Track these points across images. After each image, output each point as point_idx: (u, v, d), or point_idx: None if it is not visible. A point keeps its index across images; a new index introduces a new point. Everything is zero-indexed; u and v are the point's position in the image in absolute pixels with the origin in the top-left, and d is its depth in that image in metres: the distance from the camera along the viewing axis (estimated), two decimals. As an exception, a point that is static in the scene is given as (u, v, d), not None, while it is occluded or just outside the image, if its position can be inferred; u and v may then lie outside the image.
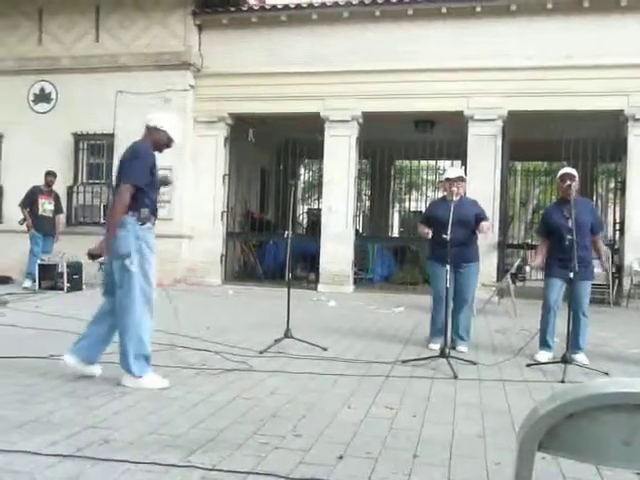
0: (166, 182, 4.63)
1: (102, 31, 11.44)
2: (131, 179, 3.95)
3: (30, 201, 10.01)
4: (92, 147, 11.63)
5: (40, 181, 10.20)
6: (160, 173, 4.31)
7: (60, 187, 10.95)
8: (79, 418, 3.21)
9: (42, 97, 11.65)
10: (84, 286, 9.72)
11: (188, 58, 11.04)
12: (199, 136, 11.33)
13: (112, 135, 11.12)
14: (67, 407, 3.41)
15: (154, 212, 4.11)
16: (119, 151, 10.78)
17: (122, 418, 3.25)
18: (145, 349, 3.97)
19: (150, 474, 2.51)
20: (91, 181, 11.51)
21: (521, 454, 0.90)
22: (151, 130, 4.16)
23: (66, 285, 9.38)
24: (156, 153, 4.17)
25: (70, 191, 11.37)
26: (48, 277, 9.48)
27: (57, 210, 10.29)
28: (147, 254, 3.99)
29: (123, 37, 11.34)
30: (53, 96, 11.60)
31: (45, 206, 10.09)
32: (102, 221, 10.51)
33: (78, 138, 11.50)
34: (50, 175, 10.20)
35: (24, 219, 10.01)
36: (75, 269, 9.61)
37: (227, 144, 11.58)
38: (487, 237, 5.98)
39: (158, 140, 4.16)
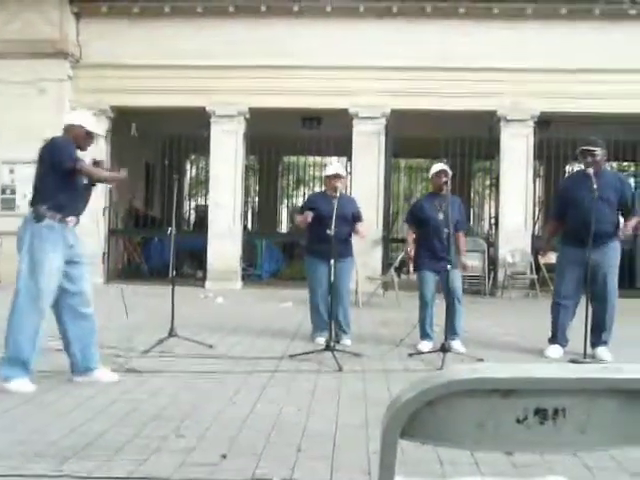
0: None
1: (-33, 14, 10.62)
2: (70, 161, 3.87)
3: None
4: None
5: None
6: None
7: None
8: (-61, 431, 2.97)
9: None
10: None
11: (65, 47, 10.49)
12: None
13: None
14: None
15: (65, 209, 3.92)
16: (-12, 144, 10.20)
17: (-11, 429, 3.04)
18: (21, 353, 3.74)
19: (19, 487, 2.36)
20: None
21: (384, 441, 0.92)
22: (67, 129, 4.10)
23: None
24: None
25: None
26: None
27: None
28: (37, 254, 3.81)
29: (-8, 21, 10.59)
30: None
31: None
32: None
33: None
34: None
35: None
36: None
37: (108, 138, 11.12)
38: (363, 238, 6.11)
39: (77, 135, 4.07)
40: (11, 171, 10.33)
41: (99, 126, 4.26)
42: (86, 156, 4.18)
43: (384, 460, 0.93)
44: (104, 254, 10.99)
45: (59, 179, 3.90)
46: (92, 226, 10.81)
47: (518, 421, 0.88)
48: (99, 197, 10.89)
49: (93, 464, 2.60)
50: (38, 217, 3.86)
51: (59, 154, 3.89)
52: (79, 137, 4.07)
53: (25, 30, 10.48)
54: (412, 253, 5.57)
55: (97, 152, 10.90)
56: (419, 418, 0.89)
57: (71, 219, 3.97)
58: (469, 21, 10.42)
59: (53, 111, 10.51)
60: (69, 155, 3.90)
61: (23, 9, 10.56)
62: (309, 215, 5.45)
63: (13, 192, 10.45)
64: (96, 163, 4.24)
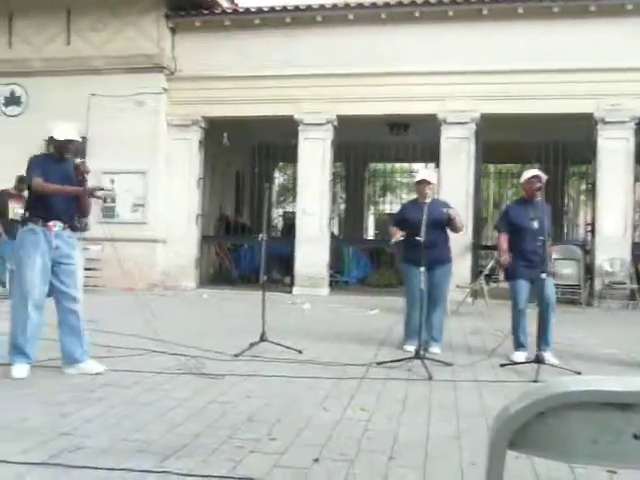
0: (97, 195, 4.71)
1: (73, 33, 11.31)
2: (29, 182, 4.41)
3: (1, 206, 9.79)
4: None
5: (9, 185, 10.01)
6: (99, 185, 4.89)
7: (31, 191, 10.80)
8: (51, 425, 3.17)
9: (12, 100, 11.49)
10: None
11: (161, 61, 10.97)
12: (173, 139, 11.26)
13: (84, 139, 10.99)
14: (39, 414, 3.36)
15: (46, 215, 4.34)
16: (92, 155, 10.81)
17: (95, 424, 3.21)
18: (15, 339, 4.25)
19: (124, 481, 2.48)
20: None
21: (492, 453, 0.91)
22: (48, 141, 4.69)
23: (5, 292, 9.17)
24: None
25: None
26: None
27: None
28: (20, 254, 4.32)
29: (95, 40, 11.22)
30: (24, 99, 11.44)
31: (16, 211, 9.88)
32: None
33: (50, 142, 11.31)
34: (22, 181, 9.99)
35: None
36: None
37: (201, 147, 11.52)
38: (457, 238, 6.00)
39: (55, 145, 4.53)
40: (112, 181, 10.86)
41: (73, 130, 4.56)
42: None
43: (491, 471, 0.92)
44: (197, 260, 11.37)
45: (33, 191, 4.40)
46: (185, 232, 11.27)
47: (636, 437, 0.85)
48: (193, 204, 11.31)
49: (192, 463, 2.70)
50: (23, 223, 4.44)
51: (27, 172, 4.40)
52: (57, 147, 4.51)
53: (125, 46, 11.05)
54: (505, 261, 5.43)
55: (192, 162, 11.34)
56: (529, 429, 0.87)
57: (53, 223, 4.35)
58: (563, 20, 10.06)
59: (150, 123, 11.03)
60: (29, 174, 4.37)
61: (123, 27, 11.14)
62: (400, 235, 5.44)
63: (113, 201, 10.99)
64: (77, 167, 4.52)
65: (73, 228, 4.53)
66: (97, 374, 4.29)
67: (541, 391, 0.85)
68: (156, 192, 10.98)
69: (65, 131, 4.51)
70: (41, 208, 4.36)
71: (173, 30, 11.24)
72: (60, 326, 4.41)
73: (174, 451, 2.84)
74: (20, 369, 4.20)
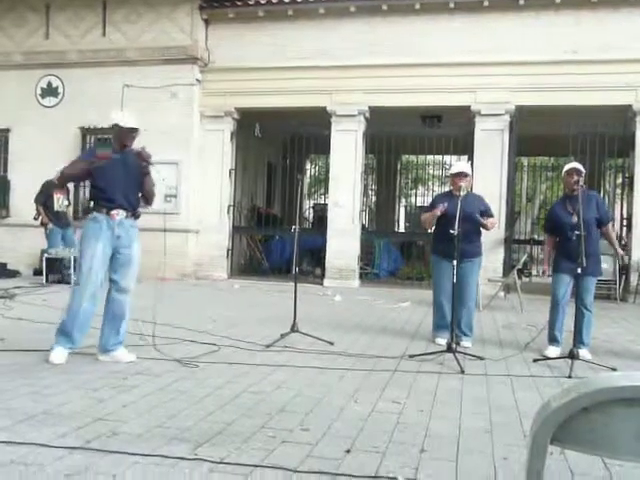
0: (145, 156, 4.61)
1: (109, 25, 11.44)
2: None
3: (45, 196, 9.96)
4: (99, 141, 11.62)
5: (49, 175, 10.20)
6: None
7: (67, 181, 11.02)
8: (88, 410, 3.23)
9: (49, 91, 11.68)
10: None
11: (195, 52, 11.04)
12: (206, 130, 11.34)
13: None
14: (76, 399, 3.43)
15: (108, 204, 4.36)
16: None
17: (130, 411, 3.27)
18: (64, 326, 4.32)
19: (159, 467, 2.52)
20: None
21: (534, 447, 0.90)
22: (112, 129, 4.55)
23: (73, 279, 9.35)
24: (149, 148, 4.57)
25: (77, 185, 11.39)
26: (55, 271, 9.50)
27: (69, 203, 10.29)
28: (83, 243, 4.37)
29: (130, 31, 11.34)
30: (60, 90, 11.62)
31: (61, 201, 10.08)
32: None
33: (85, 132, 11.51)
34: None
35: (38, 214, 9.88)
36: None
37: (234, 138, 11.59)
38: (490, 232, 5.99)
39: (117, 135, 4.51)
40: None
41: (135, 120, 4.55)
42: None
43: (532, 465, 0.91)
44: (228, 250, 11.45)
45: (94, 180, 4.42)
46: (217, 223, 11.35)
47: (681, 434, 0.84)
48: (225, 195, 11.38)
49: (225, 451, 2.73)
50: (87, 212, 4.47)
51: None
52: (121, 134, 4.50)
53: (159, 38, 11.15)
54: (545, 262, 5.46)
55: (224, 153, 11.42)
56: (572, 424, 0.86)
57: (116, 212, 4.38)
58: (601, 10, 9.86)
59: (184, 113, 11.12)
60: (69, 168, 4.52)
61: (157, 19, 11.23)
62: (440, 208, 5.36)
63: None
64: (139, 154, 4.52)
65: (136, 216, 4.55)
66: (129, 362, 4.36)
67: (584, 386, 0.84)
68: (188, 183, 11.07)
69: (129, 119, 4.52)
70: (104, 197, 4.38)
71: (207, 21, 11.30)
72: (104, 314, 4.47)
73: (207, 439, 2.87)
74: (58, 354, 4.28)
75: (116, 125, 4.49)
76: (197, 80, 11.21)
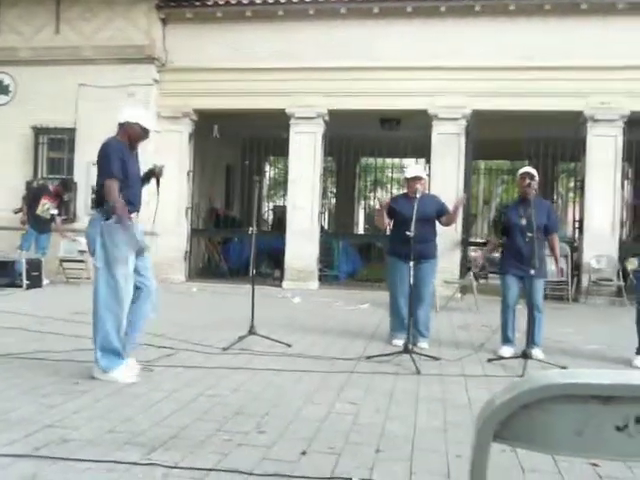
0: (158, 173, 4.40)
1: (63, 23, 11.20)
2: (109, 173, 3.97)
3: (33, 198, 9.97)
4: (52, 141, 11.39)
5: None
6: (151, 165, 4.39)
7: (19, 182, 10.78)
8: (37, 417, 3.15)
9: (0, 89, 11.37)
10: (44, 283, 9.53)
11: (152, 52, 10.90)
12: (163, 132, 11.19)
13: (73, 129, 10.94)
14: (25, 405, 3.34)
15: (129, 206, 4.06)
16: (80, 146, 10.73)
17: (81, 417, 3.20)
18: (111, 343, 3.94)
19: (111, 473, 2.48)
20: (51, 176, 11.26)
21: (477, 444, 0.91)
22: (123, 126, 4.17)
23: (25, 282, 9.16)
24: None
25: (29, 186, 11.13)
26: (5, 274, 9.26)
27: (59, 213, 10.15)
28: (110, 248, 3.97)
29: (85, 29, 11.12)
30: (12, 88, 11.33)
31: (45, 207, 9.94)
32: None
33: (38, 132, 11.24)
34: (62, 186, 10.24)
35: (20, 209, 10.06)
36: (34, 266, 9.39)
37: (192, 140, 11.48)
38: (446, 234, 6.09)
39: (132, 134, 4.16)
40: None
41: (153, 121, 4.28)
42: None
43: (476, 462, 0.93)
44: (186, 253, 11.34)
45: (123, 178, 4.05)
46: (175, 225, 11.23)
47: (618, 429, 0.86)
48: (183, 198, 11.26)
49: (179, 455, 2.69)
50: (107, 215, 3.99)
51: (104, 161, 4.03)
52: (135, 135, 4.16)
53: (115, 37, 10.97)
54: (487, 251, 5.58)
55: (182, 155, 11.32)
56: (514, 421, 0.88)
57: (134, 215, 4.15)
58: (554, 18, 10.10)
59: (140, 114, 10.94)
60: (108, 165, 4.00)
61: (113, 16, 11.05)
62: (387, 222, 5.46)
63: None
64: (151, 171, 4.31)
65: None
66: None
67: (525, 384, 0.86)
68: (145, 185, 10.90)
69: (150, 120, 4.25)
70: (127, 201, 4.05)
71: (164, 21, 11.17)
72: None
73: (161, 443, 2.83)
74: (122, 371, 3.95)
75: (134, 123, 4.12)
76: (154, 80, 11.06)
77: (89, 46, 11.00)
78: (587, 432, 0.86)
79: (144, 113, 4.32)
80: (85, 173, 10.92)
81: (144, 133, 4.19)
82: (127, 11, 11.02)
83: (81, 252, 9.54)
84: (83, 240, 9.84)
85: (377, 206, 5.46)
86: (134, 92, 10.85)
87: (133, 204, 4.14)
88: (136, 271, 4.12)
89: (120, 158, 4.02)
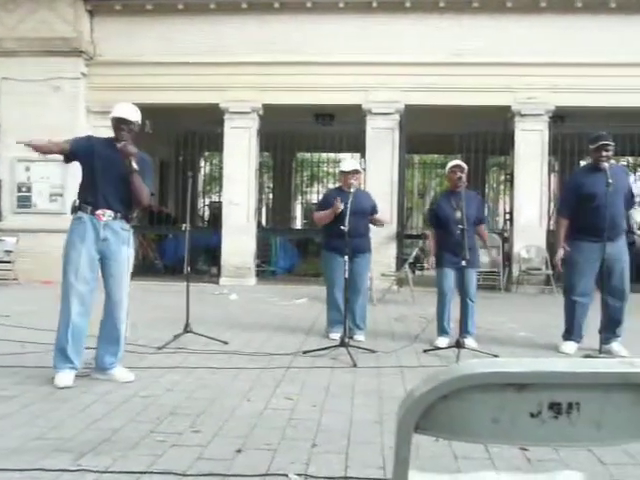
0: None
1: (-17, 13, 10.72)
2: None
3: None
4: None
5: None
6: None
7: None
8: (-41, 426, 3.02)
9: None
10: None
11: (79, 45, 10.56)
12: (93, 127, 10.83)
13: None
14: (-55, 415, 3.19)
15: (91, 202, 3.93)
16: (4, 141, 10.29)
17: (5, 424, 3.07)
18: (58, 342, 3.88)
19: (37, 480, 2.39)
20: (-26, 174, 10.78)
21: (399, 435, 0.92)
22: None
23: None
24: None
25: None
26: None
27: None
28: (69, 246, 3.93)
29: (7, 20, 10.66)
30: None
31: None
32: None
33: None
34: None
35: None
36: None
37: (123, 135, 11.18)
38: (382, 228, 6.19)
39: (114, 126, 4.06)
40: (27, 169, 10.42)
41: (135, 114, 4.12)
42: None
43: (399, 454, 0.93)
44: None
45: (83, 174, 4.03)
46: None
47: (532, 415, 0.88)
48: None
49: (110, 459, 2.62)
50: (72, 210, 3.99)
51: None
52: (114, 127, 4.06)
53: (39, 28, 10.57)
54: (432, 251, 5.64)
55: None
56: (433, 412, 0.89)
57: (102, 212, 3.92)
58: (482, 15, 10.35)
59: (68, 108, 10.61)
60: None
61: (37, 7, 10.64)
62: (340, 205, 5.33)
63: (29, 190, 10.54)
64: (120, 149, 4.01)
65: (127, 219, 4.05)
66: (126, 382, 3.94)
67: (443, 375, 0.87)
68: (75, 181, 10.57)
69: (122, 110, 4.06)
70: (90, 194, 3.92)
71: (91, 13, 10.84)
72: (100, 328, 4.08)
73: (91, 447, 2.76)
74: (63, 377, 3.79)
75: (111, 117, 4.06)
76: (82, 74, 10.73)
77: (12, 38, 10.56)
78: (503, 419, 0.88)
79: (121, 104, 4.18)
80: (10, 170, 10.52)
81: (116, 123, 4.04)
82: (51, 2, 10.63)
83: (7, 252, 9.18)
84: (9, 240, 9.55)
85: (336, 209, 5.40)
86: (60, 86, 10.51)
87: (103, 198, 3.94)
88: (103, 274, 4.08)
89: (85, 154, 4.00)
